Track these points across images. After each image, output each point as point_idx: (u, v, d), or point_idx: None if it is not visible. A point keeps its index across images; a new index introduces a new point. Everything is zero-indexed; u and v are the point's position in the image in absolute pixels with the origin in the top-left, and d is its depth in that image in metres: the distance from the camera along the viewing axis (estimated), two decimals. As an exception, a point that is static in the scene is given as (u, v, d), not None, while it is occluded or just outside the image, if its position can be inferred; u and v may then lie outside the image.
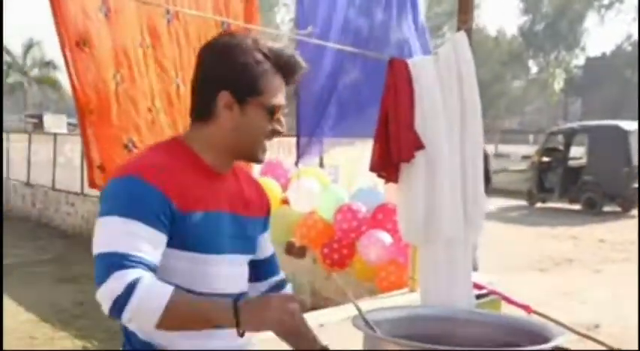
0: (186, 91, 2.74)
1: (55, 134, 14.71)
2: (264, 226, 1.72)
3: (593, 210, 14.38)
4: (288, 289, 1.80)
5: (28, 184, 14.18)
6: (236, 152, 1.55)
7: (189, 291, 1.43)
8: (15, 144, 15.62)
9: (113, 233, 1.35)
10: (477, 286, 3.02)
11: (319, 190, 5.87)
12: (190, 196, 1.45)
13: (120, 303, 1.27)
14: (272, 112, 1.52)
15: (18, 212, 13.95)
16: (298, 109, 4.63)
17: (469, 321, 1.98)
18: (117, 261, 1.30)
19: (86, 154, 2.61)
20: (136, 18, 2.66)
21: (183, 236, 1.43)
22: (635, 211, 13.63)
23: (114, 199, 1.39)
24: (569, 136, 15.85)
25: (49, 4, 2.39)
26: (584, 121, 24.88)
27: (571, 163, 15.59)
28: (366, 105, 3.69)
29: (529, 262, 9.21)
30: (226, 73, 1.48)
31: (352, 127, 4.02)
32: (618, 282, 7.81)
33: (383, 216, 5.45)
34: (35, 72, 38.70)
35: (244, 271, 1.63)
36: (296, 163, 5.09)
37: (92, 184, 2.59)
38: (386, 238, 5.28)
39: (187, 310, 1.32)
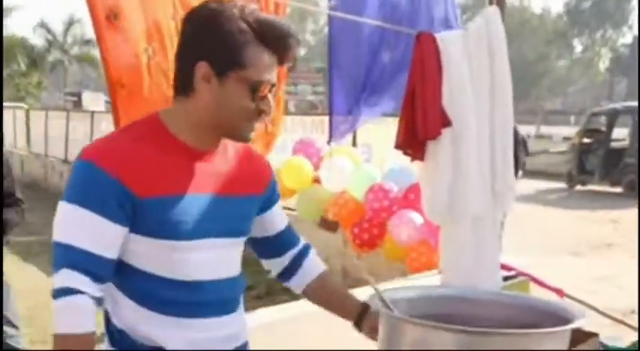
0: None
1: (92, 112, 14.91)
2: (266, 202, 1.63)
3: (634, 193, 14.03)
4: (312, 254, 1.75)
5: (65, 161, 14.39)
6: (217, 130, 1.44)
7: (162, 279, 1.41)
8: (53, 121, 15.84)
9: (68, 222, 1.36)
10: (506, 267, 2.95)
11: (351, 169, 5.82)
12: (154, 181, 1.38)
13: (54, 295, 1.35)
14: (255, 89, 1.39)
15: (55, 189, 14.14)
16: (331, 86, 4.57)
17: (492, 302, 1.92)
18: (71, 257, 1.34)
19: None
20: (167, -10, 2.63)
21: (147, 223, 1.38)
22: (679, 195, 13.27)
23: (71, 185, 1.37)
24: (612, 117, 15.45)
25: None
26: (629, 101, 24.19)
27: (613, 144, 15.17)
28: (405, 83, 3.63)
29: (566, 246, 9.02)
30: (205, 42, 1.37)
31: (391, 105, 3.93)
32: (658, 267, 7.62)
33: (414, 196, 5.35)
34: (75, 50, 38.99)
35: (232, 254, 1.53)
36: (328, 142, 5.05)
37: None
38: (417, 218, 5.21)
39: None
